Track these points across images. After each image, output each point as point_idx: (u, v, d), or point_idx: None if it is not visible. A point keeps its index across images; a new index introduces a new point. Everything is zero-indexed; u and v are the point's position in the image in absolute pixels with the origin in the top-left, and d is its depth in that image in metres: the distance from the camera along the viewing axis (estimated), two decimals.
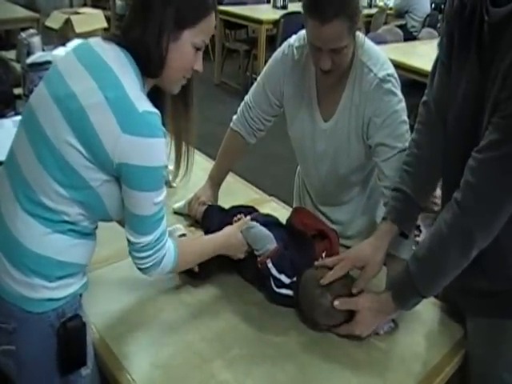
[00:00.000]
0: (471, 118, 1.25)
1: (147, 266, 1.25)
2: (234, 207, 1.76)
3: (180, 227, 1.70)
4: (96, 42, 1.21)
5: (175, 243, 1.32)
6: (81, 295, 1.26)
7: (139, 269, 1.28)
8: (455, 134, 1.34)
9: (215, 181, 1.92)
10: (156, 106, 1.16)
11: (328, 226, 1.67)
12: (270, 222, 1.60)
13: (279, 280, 1.46)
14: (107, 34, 1.23)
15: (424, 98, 1.47)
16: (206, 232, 1.65)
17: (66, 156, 1.12)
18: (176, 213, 1.89)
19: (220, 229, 1.55)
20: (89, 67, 1.15)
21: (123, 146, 1.09)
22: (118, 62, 1.15)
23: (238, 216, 1.61)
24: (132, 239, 1.22)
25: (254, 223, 1.54)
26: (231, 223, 1.58)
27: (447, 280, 1.29)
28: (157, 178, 1.16)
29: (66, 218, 1.16)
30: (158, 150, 1.13)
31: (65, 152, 1.12)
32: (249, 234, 1.50)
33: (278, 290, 1.46)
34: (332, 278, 1.40)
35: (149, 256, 1.24)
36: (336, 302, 1.37)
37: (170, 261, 1.29)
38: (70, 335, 1.17)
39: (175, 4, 1.15)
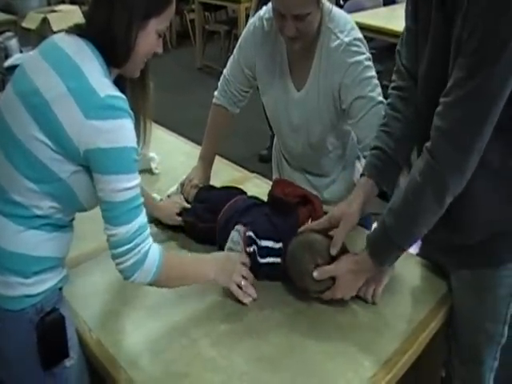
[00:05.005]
0: (437, 76, 1.25)
1: (129, 264, 1.18)
2: (223, 188, 1.79)
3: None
4: (60, 38, 1.22)
5: (161, 248, 1.25)
6: (60, 289, 1.27)
7: (121, 272, 1.21)
8: (424, 93, 1.35)
9: (206, 160, 1.93)
10: (120, 91, 1.16)
11: (309, 192, 1.69)
12: (251, 203, 1.62)
13: (264, 248, 1.48)
14: (71, 27, 1.23)
15: (395, 67, 1.49)
16: (197, 216, 1.66)
17: (34, 151, 1.13)
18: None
19: (212, 211, 1.59)
20: (52, 63, 1.16)
21: (88, 132, 1.10)
22: (81, 52, 1.16)
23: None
24: (108, 232, 1.17)
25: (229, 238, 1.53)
26: (223, 205, 1.60)
27: (423, 230, 1.29)
28: (126, 159, 1.14)
29: (38, 213, 1.17)
30: (124, 130, 1.13)
31: (32, 147, 1.13)
32: (232, 241, 1.50)
33: (262, 260, 1.48)
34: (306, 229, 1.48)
35: (128, 251, 1.17)
36: (315, 273, 1.37)
37: (155, 262, 1.22)
38: (48, 329, 1.18)
39: None
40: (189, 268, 1.38)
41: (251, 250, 1.48)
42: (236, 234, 1.50)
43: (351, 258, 1.40)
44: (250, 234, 1.48)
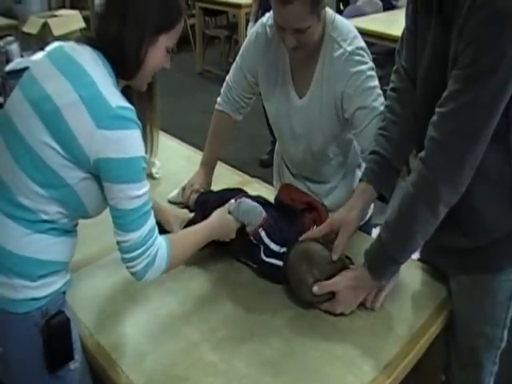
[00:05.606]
0: (436, 81, 1.25)
1: (140, 267, 1.21)
2: (224, 190, 1.78)
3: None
4: (69, 46, 1.24)
5: (167, 240, 1.28)
6: (64, 292, 1.27)
7: (133, 274, 1.24)
8: (423, 97, 1.36)
9: (208, 166, 1.95)
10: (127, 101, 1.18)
11: (315, 199, 1.71)
12: (258, 201, 1.63)
13: (270, 249, 1.49)
14: (80, 36, 1.25)
15: (395, 67, 1.49)
16: (198, 219, 1.66)
17: (43, 156, 1.14)
18: (171, 202, 1.91)
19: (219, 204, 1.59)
20: (61, 68, 1.17)
21: (99, 141, 1.11)
22: (91, 61, 1.18)
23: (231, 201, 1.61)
24: (119, 238, 1.20)
25: (242, 199, 1.55)
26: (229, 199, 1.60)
27: (419, 241, 1.30)
28: (135, 169, 1.17)
29: (45, 217, 1.18)
30: (132, 140, 1.15)
31: (41, 152, 1.14)
32: (238, 209, 1.51)
33: (267, 259, 1.49)
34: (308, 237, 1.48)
35: (139, 255, 1.20)
36: (315, 288, 1.37)
37: (164, 259, 1.25)
38: (54, 332, 1.19)
39: (156, 11, 1.18)
40: (192, 245, 1.40)
41: (254, 242, 1.49)
42: (250, 210, 1.51)
43: (351, 274, 1.40)
44: (263, 233, 1.49)
